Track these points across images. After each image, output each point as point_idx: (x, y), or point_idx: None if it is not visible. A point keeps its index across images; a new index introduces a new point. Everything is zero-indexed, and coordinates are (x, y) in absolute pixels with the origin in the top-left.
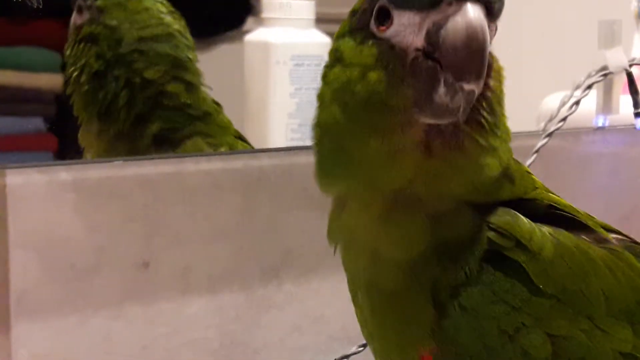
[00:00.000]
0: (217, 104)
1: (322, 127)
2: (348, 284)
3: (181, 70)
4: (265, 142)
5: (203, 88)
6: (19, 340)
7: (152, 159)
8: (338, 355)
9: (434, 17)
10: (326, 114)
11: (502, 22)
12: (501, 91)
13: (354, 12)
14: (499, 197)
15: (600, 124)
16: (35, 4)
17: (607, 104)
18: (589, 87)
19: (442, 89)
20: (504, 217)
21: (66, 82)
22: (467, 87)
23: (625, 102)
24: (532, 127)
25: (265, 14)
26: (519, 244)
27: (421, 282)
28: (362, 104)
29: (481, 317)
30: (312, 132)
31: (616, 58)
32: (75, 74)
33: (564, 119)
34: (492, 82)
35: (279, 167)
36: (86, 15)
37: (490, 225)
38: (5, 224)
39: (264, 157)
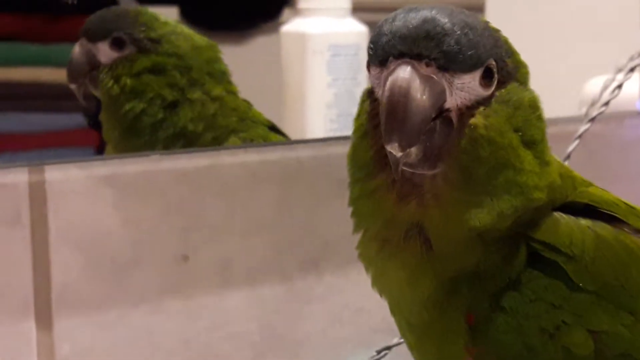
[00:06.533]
0: (246, 101)
1: None
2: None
3: (231, 84)
4: (304, 133)
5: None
6: (61, 335)
7: (189, 152)
8: (380, 347)
9: (386, 73)
10: None
11: (544, 6)
12: (500, 131)
13: None
14: (538, 216)
15: None
16: (70, 0)
17: None
18: (632, 70)
19: None
20: (541, 226)
21: (124, 115)
22: (388, 147)
23: None
24: (574, 111)
25: (301, 5)
26: (558, 250)
27: (451, 313)
28: (351, 148)
29: (520, 317)
30: None
31: None
32: (142, 107)
33: (607, 104)
34: (481, 121)
35: (317, 158)
36: (130, 49)
37: (529, 237)
38: (46, 220)
39: (301, 148)
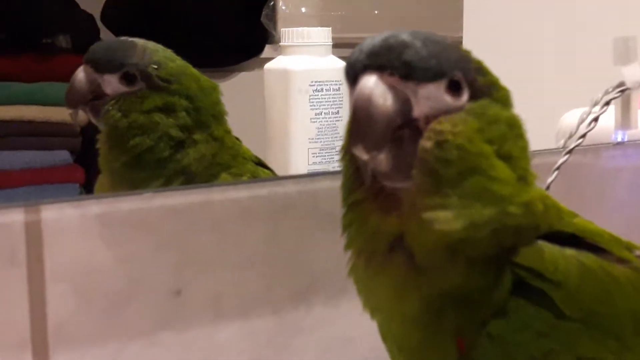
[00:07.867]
0: (237, 138)
1: None
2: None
3: (227, 124)
4: (288, 168)
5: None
6: None
7: (181, 189)
8: None
9: (355, 88)
10: None
11: (520, 42)
12: (469, 138)
13: None
14: (521, 242)
15: (619, 139)
16: (65, 45)
17: (625, 120)
18: (607, 103)
19: None
20: (526, 253)
21: (130, 149)
22: (354, 151)
23: None
24: (551, 144)
25: (283, 42)
26: (543, 277)
27: (441, 337)
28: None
29: (509, 345)
30: None
31: (632, 74)
32: (149, 144)
33: (584, 136)
34: (447, 127)
35: (304, 193)
36: (140, 85)
37: (514, 263)
38: (42, 259)
39: (289, 184)
